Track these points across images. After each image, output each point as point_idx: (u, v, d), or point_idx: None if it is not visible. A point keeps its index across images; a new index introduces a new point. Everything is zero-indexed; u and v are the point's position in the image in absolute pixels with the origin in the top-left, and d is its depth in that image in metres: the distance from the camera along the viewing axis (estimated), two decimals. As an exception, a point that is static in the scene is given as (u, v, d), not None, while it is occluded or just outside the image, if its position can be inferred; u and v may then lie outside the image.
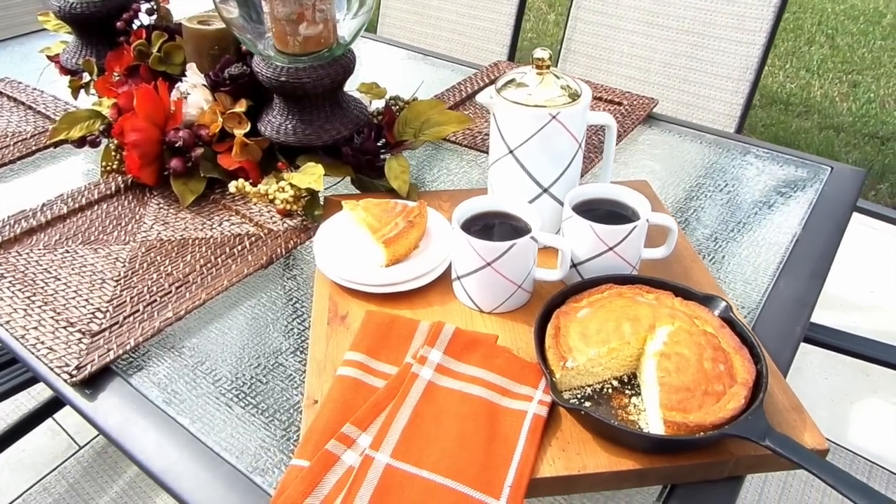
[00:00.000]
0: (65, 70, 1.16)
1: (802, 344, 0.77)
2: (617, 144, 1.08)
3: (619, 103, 1.19)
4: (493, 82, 1.26)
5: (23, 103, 1.19)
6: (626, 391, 0.63)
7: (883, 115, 3.12)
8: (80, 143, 1.03)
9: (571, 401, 0.61)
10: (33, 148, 1.06)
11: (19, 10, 1.90)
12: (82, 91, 1.12)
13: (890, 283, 2.07)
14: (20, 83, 1.26)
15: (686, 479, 0.58)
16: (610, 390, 0.63)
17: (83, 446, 1.06)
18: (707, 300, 0.67)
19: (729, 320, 0.65)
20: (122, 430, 0.64)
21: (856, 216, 2.29)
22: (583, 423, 0.59)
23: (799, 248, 0.89)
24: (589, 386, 0.63)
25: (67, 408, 1.17)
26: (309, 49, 0.86)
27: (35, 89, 1.24)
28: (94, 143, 1.04)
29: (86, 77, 1.13)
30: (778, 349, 0.72)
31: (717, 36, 1.45)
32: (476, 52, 1.78)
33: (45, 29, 1.23)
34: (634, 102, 1.19)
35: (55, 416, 1.47)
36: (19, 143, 1.07)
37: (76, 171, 1.04)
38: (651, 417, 0.58)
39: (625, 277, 0.70)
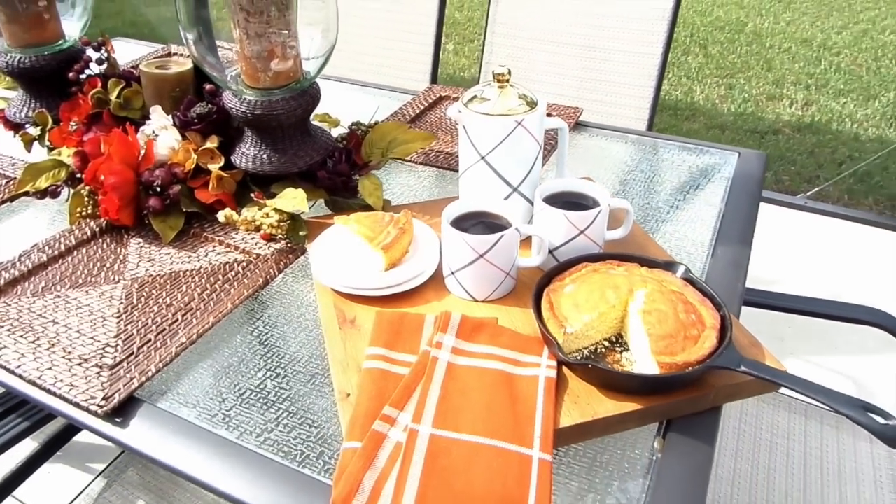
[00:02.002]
0: (9, 125, 1.16)
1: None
2: (552, 151, 1.20)
3: (549, 114, 1.32)
4: (434, 105, 1.36)
5: (-36, 162, 1.17)
6: (617, 349, 0.73)
7: (758, 112, 3.48)
8: (43, 194, 1.03)
9: (574, 362, 0.70)
10: (-9, 203, 1.05)
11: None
12: (35, 144, 1.12)
13: (787, 259, 2.32)
14: (-45, 143, 1.23)
15: (678, 413, 0.68)
16: (603, 350, 0.73)
17: None
18: (669, 266, 0.78)
19: (689, 280, 0.77)
20: (164, 452, 0.67)
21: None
22: (588, 377, 0.68)
23: (726, 221, 1.02)
24: (585, 348, 0.72)
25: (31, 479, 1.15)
26: (279, 83, 0.92)
27: (-26, 148, 1.22)
28: (55, 194, 1.05)
29: (33, 130, 1.13)
30: (726, 304, 0.84)
31: (621, 50, 1.62)
32: (396, 82, 1.88)
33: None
34: (562, 112, 1.32)
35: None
36: (-26, 201, 1.05)
37: (39, 221, 1.04)
38: (644, 364, 0.68)
39: (596, 256, 0.81)
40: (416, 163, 1.17)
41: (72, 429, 1.30)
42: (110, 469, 1.06)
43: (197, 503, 1.02)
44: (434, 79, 1.87)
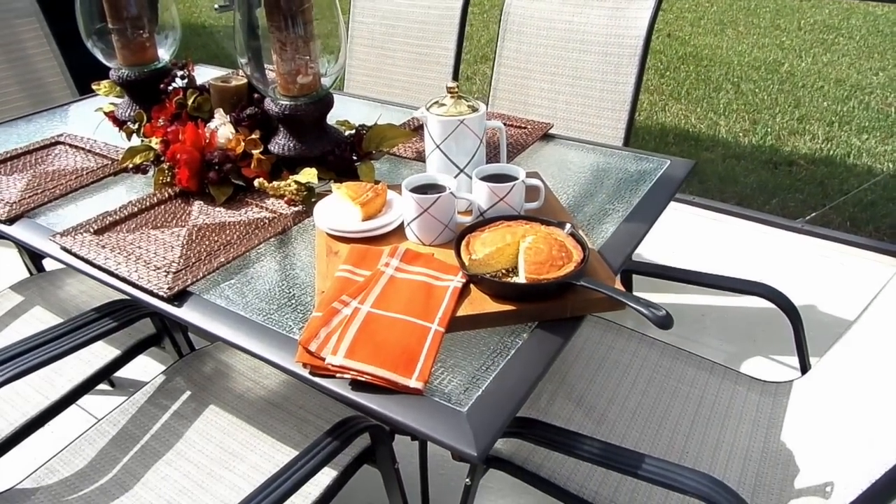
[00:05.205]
0: (117, 122, 1.58)
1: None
2: (520, 154, 1.53)
3: (524, 127, 1.65)
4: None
5: (82, 148, 1.60)
6: (511, 276, 1.04)
7: (777, 144, 3.69)
8: (136, 169, 1.43)
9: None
10: (100, 175, 1.46)
11: (46, 89, 2.33)
12: (133, 135, 1.53)
13: (771, 275, 2.53)
14: (76, 135, 1.67)
15: (544, 317, 0.99)
16: (500, 276, 1.04)
17: (102, 418, 1.37)
18: (560, 224, 1.10)
19: (573, 234, 1.08)
20: (203, 321, 1.03)
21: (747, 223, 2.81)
22: (482, 287, 1.00)
23: (637, 208, 1.32)
24: (487, 273, 1.04)
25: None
26: (303, 92, 1.30)
27: (89, 139, 1.64)
28: (144, 171, 1.45)
29: (133, 125, 1.55)
30: (614, 258, 1.14)
31: (601, 79, 1.94)
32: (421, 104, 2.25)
33: (66, 103, 1.65)
34: (535, 126, 1.65)
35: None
36: (89, 173, 1.47)
37: (132, 190, 1.44)
38: (521, 281, 0.99)
39: (510, 216, 1.13)
40: (409, 158, 1.52)
41: (119, 361, 1.61)
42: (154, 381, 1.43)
43: (225, 395, 1.37)
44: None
